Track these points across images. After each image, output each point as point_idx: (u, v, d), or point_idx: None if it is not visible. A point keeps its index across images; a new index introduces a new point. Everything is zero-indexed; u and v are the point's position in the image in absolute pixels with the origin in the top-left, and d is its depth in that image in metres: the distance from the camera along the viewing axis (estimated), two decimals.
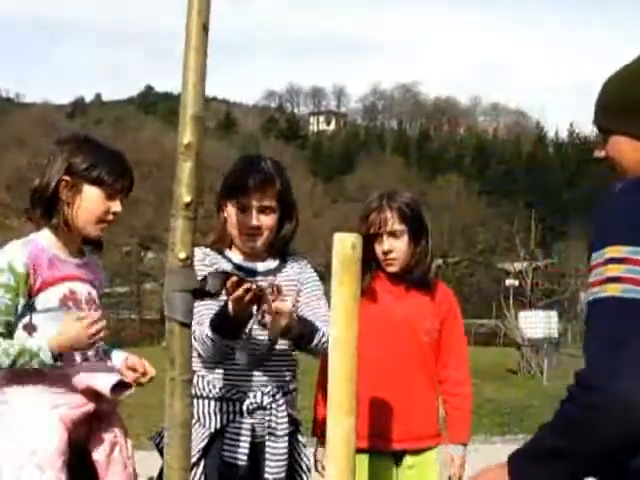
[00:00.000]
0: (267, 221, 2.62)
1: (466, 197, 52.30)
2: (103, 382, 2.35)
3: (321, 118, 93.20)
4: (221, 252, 2.69)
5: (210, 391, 2.59)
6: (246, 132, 74.55)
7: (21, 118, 49.32)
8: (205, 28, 1.75)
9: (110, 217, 2.44)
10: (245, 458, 2.52)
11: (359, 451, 2.93)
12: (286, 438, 2.56)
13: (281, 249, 2.71)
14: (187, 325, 1.82)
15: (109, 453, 2.41)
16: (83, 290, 2.45)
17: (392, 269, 2.95)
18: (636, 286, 1.43)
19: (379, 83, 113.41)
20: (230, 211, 2.65)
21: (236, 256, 2.69)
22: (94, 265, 2.58)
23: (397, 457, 2.96)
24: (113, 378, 2.37)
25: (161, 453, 2.22)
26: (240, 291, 2.25)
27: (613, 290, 1.44)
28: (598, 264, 1.49)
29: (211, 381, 2.59)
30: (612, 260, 1.47)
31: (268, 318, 2.46)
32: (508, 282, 26.83)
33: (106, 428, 2.43)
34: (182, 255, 1.78)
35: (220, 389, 2.58)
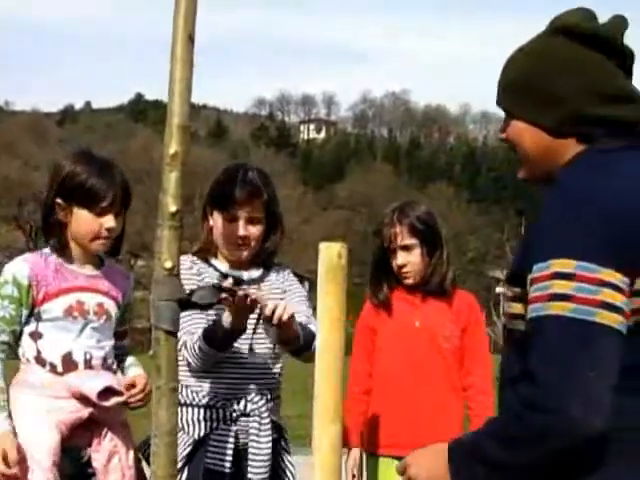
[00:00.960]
0: (255, 231, 2.64)
1: (456, 205, 52.32)
2: (90, 387, 2.37)
3: (311, 126, 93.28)
4: (207, 260, 2.70)
5: (194, 399, 2.60)
6: (237, 140, 74.50)
7: (10, 126, 49.24)
8: (191, 38, 1.75)
9: (105, 233, 2.44)
10: (229, 465, 2.53)
11: (378, 457, 2.95)
12: (269, 443, 2.57)
13: (265, 260, 2.73)
14: (173, 334, 1.83)
15: (107, 462, 2.42)
16: (92, 301, 2.47)
17: (408, 282, 2.99)
18: (587, 306, 1.33)
19: (369, 91, 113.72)
20: (217, 221, 2.65)
21: (222, 265, 2.70)
22: (115, 275, 2.58)
23: None
24: (101, 383, 2.38)
25: (148, 462, 2.22)
26: (242, 302, 2.27)
27: (563, 308, 1.35)
28: (541, 277, 1.38)
29: (195, 389, 2.60)
30: (559, 275, 1.36)
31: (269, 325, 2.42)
32: (498, 290, 26.86)
33: (107, 436, 2.44)
34: (168, 264, 1.79)
35: (204, 397, 2.59)
